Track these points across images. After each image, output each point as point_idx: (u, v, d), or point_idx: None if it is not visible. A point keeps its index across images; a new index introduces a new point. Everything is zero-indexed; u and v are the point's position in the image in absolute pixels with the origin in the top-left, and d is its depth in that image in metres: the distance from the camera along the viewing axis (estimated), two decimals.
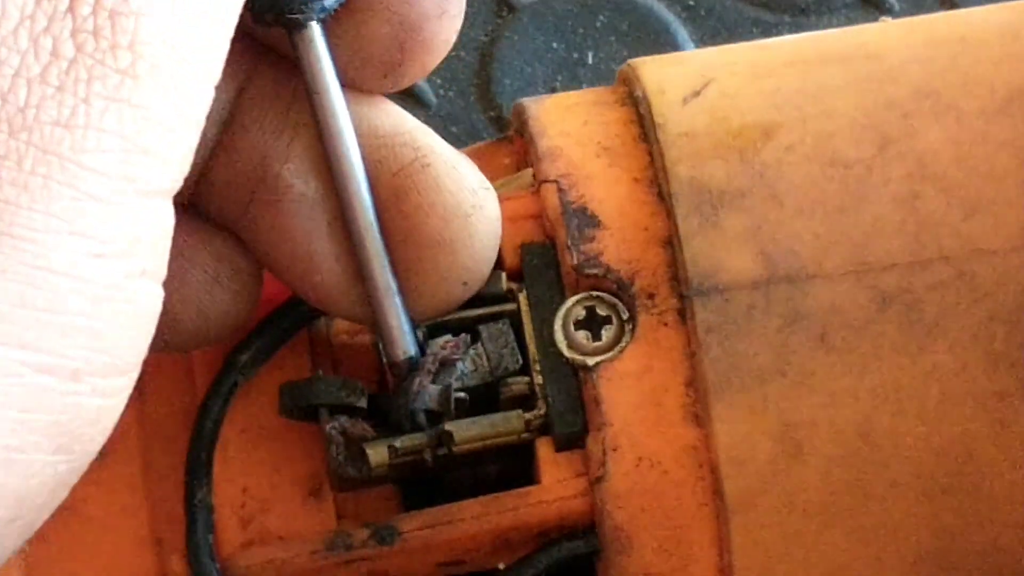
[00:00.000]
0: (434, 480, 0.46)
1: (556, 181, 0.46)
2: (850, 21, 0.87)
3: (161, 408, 0.46)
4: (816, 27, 0.88)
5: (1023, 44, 0.46)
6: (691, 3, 0.89)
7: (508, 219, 0.45)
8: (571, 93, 0.49)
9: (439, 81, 0.83)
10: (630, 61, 0.48)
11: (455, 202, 0.41)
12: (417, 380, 0.43)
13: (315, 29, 0.39)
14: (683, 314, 0.44)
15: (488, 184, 0.42)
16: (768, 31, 0.87)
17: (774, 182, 0.44)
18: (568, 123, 0.47)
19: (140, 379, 0.45)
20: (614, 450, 0.43)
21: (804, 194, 0.44)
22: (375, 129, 0.41)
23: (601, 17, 0.89)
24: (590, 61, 0.88)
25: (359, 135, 0.41)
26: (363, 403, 0.43)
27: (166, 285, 0.35)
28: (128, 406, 0.45)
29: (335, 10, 0.39)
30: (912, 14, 0.88)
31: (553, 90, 0.87)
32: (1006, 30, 0.46)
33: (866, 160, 0.44)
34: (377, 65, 0.41)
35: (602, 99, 0.48)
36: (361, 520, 0.45)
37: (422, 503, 0.45)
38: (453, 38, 0.41)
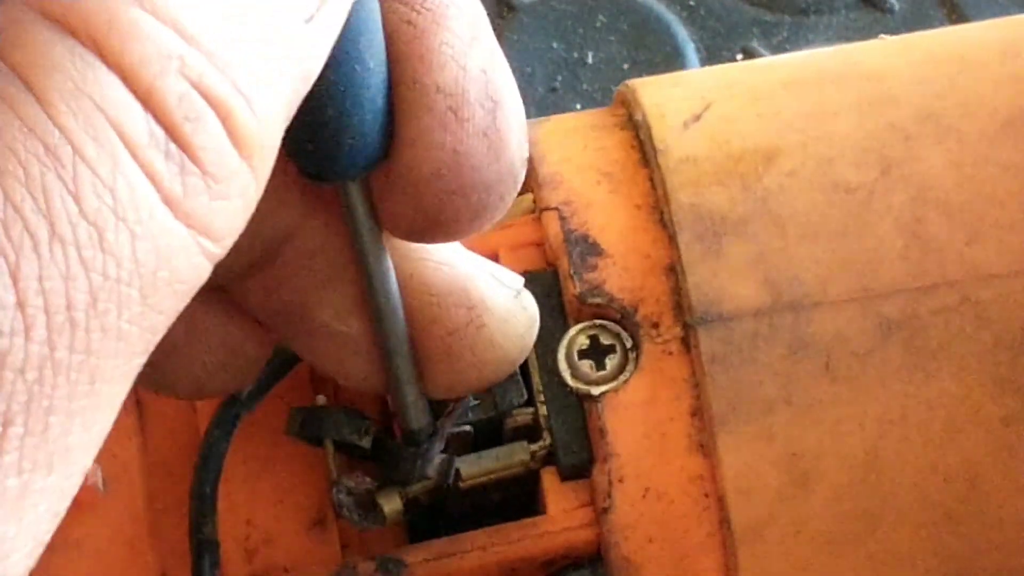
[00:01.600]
0: (437, 507, 0.46)
1: (557, 209, 0.45)
2: (850, 21, 0.87)
3: (164, 441, 0.46)
4: (816, 27, 0.87)
5: (1022, 64, 0.45)
6: (691, 3, 0.88)
7: (509, 247, 0.45)
8: (569, 115, 0.48)
9: None
10: (628, 82, 0.48)
11: (508, 356, 0.41)
12: (436, 447, 0.42)
13: (351, 186, 0.37)
14: (687, 343, 0.43)
15: (535, 315, 0.42)
16: (768, 31, 0.86)
17: (776, 208, 0.44)
18: (568, 148, 0.47)
19: (142, 412, 0.46)
20: (620, 481, 0.43)
21: (806, 220, 0.43)
22: (427, 287, 0.40)
23: (601, 17, 0.89)
24: (590, 61, 0.87)
25: (410, 290, 0.40)
26: (367, 443, 0.43)
27: (168, 352, 0.33)
28: (130, 439, 0.45)
29: (364, 175, 0.37)
30: (912, 14, 0.88)
31: (553, 90, 0.87)
32: (1005, 49, 0.46)
33: (868, 184, 0.44)
34: (402, 233, 0.39)
35: (601, 122, 0.47)
36: (365, 549, 0.45)
37: (425, 529, 0.45)
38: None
